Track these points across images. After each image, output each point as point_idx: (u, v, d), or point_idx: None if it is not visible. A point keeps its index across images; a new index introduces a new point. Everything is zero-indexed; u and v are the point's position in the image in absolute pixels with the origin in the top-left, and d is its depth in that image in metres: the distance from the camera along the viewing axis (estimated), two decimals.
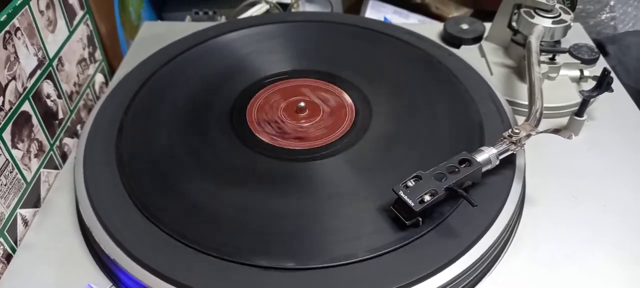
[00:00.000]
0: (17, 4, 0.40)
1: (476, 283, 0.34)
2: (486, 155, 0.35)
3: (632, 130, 0.46)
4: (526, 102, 0.42)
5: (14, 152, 0.39)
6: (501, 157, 0.36)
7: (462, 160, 0.34)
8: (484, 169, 0.35)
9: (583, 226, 0.38)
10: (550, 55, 0.49)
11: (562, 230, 0.37)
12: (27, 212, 0.40)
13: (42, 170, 0.42)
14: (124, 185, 0.38)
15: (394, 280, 0.31)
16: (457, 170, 0.34)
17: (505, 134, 0.37)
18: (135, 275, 0.32)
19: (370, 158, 0.40)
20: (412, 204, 0.32)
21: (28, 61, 0.41)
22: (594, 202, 0.39)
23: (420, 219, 0.33)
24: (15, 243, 0.38)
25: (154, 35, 0.58)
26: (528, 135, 0.36)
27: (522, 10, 0.49)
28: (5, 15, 0.38)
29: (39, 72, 0.43)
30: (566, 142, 0.43)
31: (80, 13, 0.52)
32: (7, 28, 0.38)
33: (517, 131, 0.36)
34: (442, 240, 0.33)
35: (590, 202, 0.39)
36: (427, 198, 0.32)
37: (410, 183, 0.33)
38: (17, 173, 0.39)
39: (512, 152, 0.36)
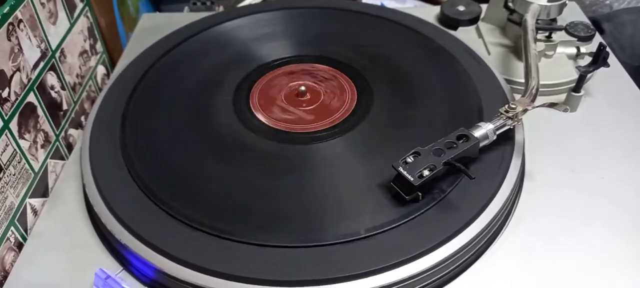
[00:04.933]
0: None
1: (478, 257, 0.35)
2: (483, 130, 0.36)
3: (629, 105, 0.47)
4: (524, 80, 0.42)
5: (21, 142, 0.39)
6: (498, 132, 0.37)
7: (460, 135, 0.35)
8: (481, 144, 0.36)
9: (581, 200, 0.38)
10: (547, 34, 0.49)
11: (561, 204, 0.38)
12: (36, 202, 0.41)
13: (49, 160, 0.43)
14: (130, 171, 0.38)
15: (395, 255, 0.32)
16: (455, 145, 0.34)
17: (502, 109, 0.37)
18: (146, 257, 0.33)
19: (371, 139, 0.41)
20: (412, 179, 0.32)
21: (31, 53, 0.42)
22: (592, 176, 0.40)
23: (420, 194, 0.34)
24: (26, 232, 0.39)
25: (153, 27, 0.59)
26: (524, 110, 0.37)
27: None
28: (7, 7, 0.39)
29: (42, 63, 0.44)
30: (564, 118, 0.44)
31: (80, 5, 0.52)
32: (10, 20, 0.39)
33: (513, 106, 0.37)
34: (442, 216, 0.34)
35: (588, 175, 0.40)
36: (426, 173, 0.33)
37: (410, 159, 0.33)
38: (25, 164, 0.40)
39: (509, 127, 0.37)
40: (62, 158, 0.46)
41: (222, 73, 0.48)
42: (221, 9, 0.65)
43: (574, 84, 0.45)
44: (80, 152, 0.42)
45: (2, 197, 0.37)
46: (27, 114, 0.41)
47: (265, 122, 0.43)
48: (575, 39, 0.50)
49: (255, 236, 0.33)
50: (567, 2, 0.48)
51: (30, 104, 0.41)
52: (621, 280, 0.33)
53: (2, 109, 0.37)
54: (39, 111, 0.42)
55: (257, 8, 0.58)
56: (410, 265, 0.32)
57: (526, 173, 0.40)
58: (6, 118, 0.38)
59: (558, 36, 0.50)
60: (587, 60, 0.49)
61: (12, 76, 0.39)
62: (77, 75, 0.50)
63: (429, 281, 0.33)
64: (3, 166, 0.37)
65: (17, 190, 0.38)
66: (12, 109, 0.39)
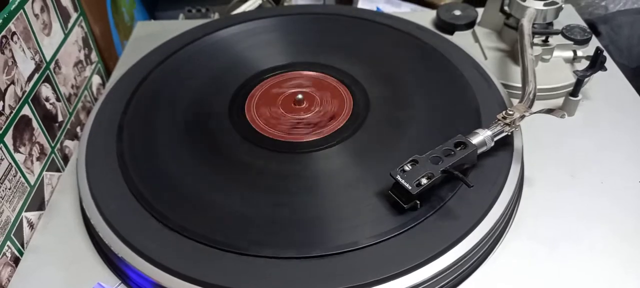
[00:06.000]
0: (12, 8, 0.40)
1: (479, 265, 0.35)
2: (481, 137, 0.36)
3: (627, 108, 0.47)
4: (521, 85, 0.42)
5: (17, 156, 0.39)
6: (496, 138, 0.36)
7: (457, 143, 0.35)
8: (479, 151, 0.36)
9: (581, 204, 0.38)
10: (543, 38, 0.49)
11: (562, 209, 0.38)
12: (32, 215, 0.40)
13: (44, 173, 0.43)
14: (127, 183, 0.38)
15: (395, 265, 0.31)
16: (453, 153, 0.34)
17: (500, 115, 0.37)
18: (144, 271, 0.33)
19: (370, 147, 0.41)
20: (410, 188, 0.32)
21: (25, 65, 0.42)
22: (592, 180, 0.40)
23: (418, 202, 0.34)
24: (22, 246, 0.39)
25: (148, 35, 0.59)
26: (522, 116, 0.37)
27: None
28: (0, 20, 0.38)
29: (36, 75, 0.43)
30: (562, 123, 0.44)
31: (74, 15, 0.52)
32: (3, 33, 0.39)
33: (511, 112, 0.37)
34: (442, 224, 0.34)
35: (587, 179, 0.40)
36: (424, 181, 0.33)
37: (407, 168, 0.33)
38: (20, 177, 0.39)
39: (506, 133, 0.37)
40: (58, 171, 0.45)
41: (218, 81, 0.48)
42: (216, 16, 0.65)
43: (571, 88, 0.45)
44: (77, 164, 0.42)
45: None
46: (22, 127, 0.40)
47: (262, 132, 0.42)
48: (572, 43, 0.50)
49: (254, 248, 0.33)
50: (563, 5, 0.48)
51: (25, 116, 0.41)
52: (623, 283, 0.33)
53: None
54: (34, 123, 0.42)
55: (252, 15, 0.57)
56: (410, 275, 0.31)
57: (525, 178, 0.40)
58: (1, 132, 0.37)
59: (555, 40, 0.50)
60: (584, 63, 0.49)
61: (6, 89, 0.38)
62: (72, 86, 0.50)
63: None
64: None
65: (12, 204, 0.38)
66: (7, 122, 0.38)
